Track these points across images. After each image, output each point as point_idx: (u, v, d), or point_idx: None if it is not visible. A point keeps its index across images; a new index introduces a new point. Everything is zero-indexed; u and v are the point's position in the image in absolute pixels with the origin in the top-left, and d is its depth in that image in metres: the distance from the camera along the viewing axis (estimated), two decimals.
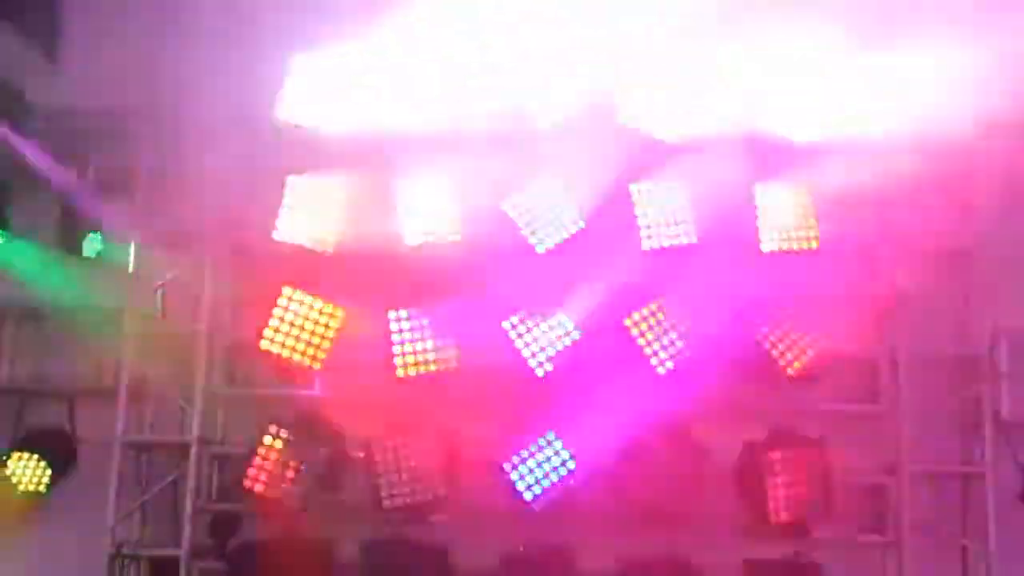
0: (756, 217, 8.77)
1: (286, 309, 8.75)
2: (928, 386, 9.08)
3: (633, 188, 8.68)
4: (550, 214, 8.71)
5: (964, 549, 9.05)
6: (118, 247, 9.74)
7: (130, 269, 9.69)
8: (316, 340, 8.75)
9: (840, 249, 8.94)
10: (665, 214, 8.66)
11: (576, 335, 8.51)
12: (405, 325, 8.74)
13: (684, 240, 8.65)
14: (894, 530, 8.88)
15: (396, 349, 8.68)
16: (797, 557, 8.68)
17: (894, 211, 9.05)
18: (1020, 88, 8.33)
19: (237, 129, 9.44)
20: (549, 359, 8.49)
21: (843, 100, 8.85)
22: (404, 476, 8.62)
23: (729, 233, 8.78)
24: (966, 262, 9.19)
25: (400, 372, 8.66)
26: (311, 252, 8.92)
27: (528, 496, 8.33)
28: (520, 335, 8.54)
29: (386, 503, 8.60)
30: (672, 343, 8.54)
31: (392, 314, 8.72)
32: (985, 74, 8.30)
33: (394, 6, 8.91)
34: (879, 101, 8.77)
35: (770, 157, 8.82)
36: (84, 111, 9.69)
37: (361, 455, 8.81)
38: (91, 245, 9.76)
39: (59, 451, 9.63)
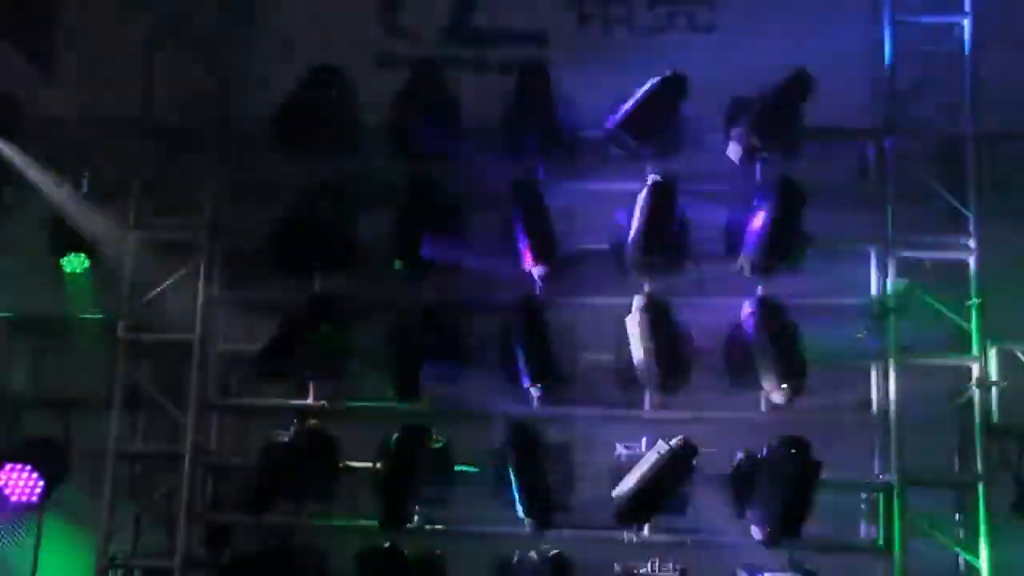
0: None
1: None
2: (921, 393, 9.13)
3: None
4: None
5: (958, 556, 9.06)
6: (111, 257, 9.71)
7: (124, 279, 9.66)
8: None
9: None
10: None
11: None
12: None
13: None
14: (889, 536, 8.88)
15: None
16: (792, 563, 8.67)
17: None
18: None
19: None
20: None
21: None
22: None
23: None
24: (960, 269, 9.27)
25: None
26: None
27: None
28: None
29: None
30: None
31: None
32: None
33: None
34: None
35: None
36: (79, 122, 9.71)
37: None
38: (76, 263, 9.70)
39: (53, 462, 9.58)
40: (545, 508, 8.39)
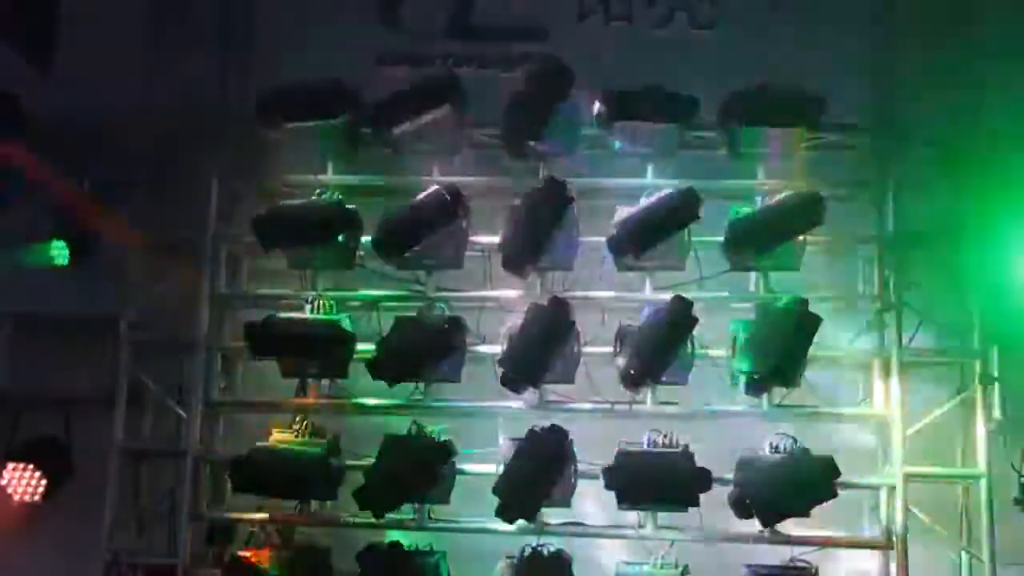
0: None
1: None
2: (924, 388, 9.13)
3: None
4: None
5: (961, 553, 9.05)
6: (113, 254, 9.71)
7: (127, 277, 9.67)
8: None
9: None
10: None
11: None
12: None
13: None
14: (892, 534, 8.86)
15: None
16: (796, 562, 8.67)
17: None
18: None
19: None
20: None
21: None
22: None
23: None
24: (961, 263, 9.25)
25: None
26: None
27: None
28: None
29: None
30: None
31: None
32: None
33: None
34: None
35: None
36: (79, 120, 9.71)
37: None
38: (59, 253, 9.70)
39: (55, 460, 9.61)
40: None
